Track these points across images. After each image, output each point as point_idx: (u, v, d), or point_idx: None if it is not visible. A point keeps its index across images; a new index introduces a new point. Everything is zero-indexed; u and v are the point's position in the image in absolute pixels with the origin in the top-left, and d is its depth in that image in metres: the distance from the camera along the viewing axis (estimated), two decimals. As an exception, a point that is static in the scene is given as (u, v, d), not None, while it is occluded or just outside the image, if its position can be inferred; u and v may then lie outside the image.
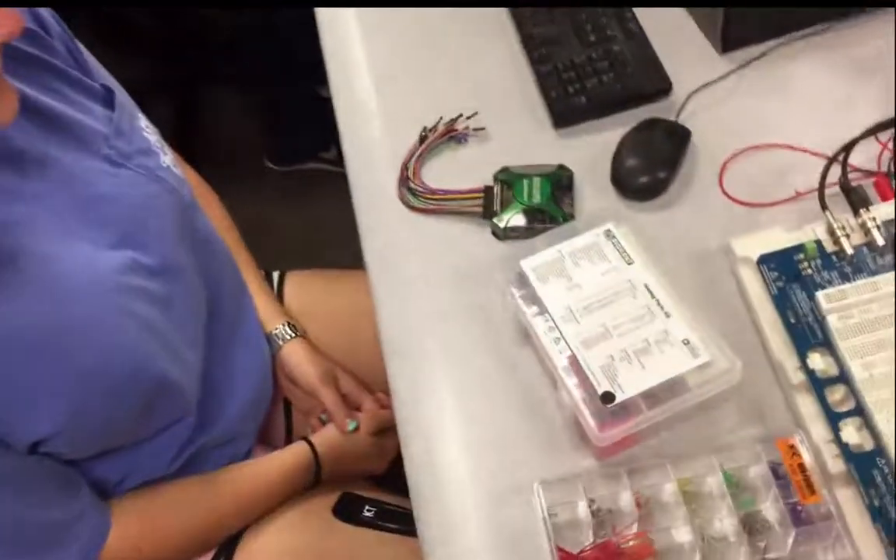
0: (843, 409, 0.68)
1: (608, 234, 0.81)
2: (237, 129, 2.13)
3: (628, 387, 0.71)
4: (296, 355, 0.94)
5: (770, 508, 0.67)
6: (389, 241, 0.89)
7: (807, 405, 0.70)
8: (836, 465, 0.66)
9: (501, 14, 1.05)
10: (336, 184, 2.04)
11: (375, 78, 1.02)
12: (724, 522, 0.67)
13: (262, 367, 0.90)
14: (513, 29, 1.03)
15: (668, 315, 0.75)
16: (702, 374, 0.72)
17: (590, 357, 0.73)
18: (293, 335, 0.95)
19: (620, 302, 0.77)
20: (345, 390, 0.96)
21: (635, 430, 0.70)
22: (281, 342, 0.95)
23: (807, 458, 0.67)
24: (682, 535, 0.67)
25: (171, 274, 0.77)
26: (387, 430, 0.95)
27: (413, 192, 0.91)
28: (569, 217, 0.86)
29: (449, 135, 0.95)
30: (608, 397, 0.71)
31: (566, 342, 0.75)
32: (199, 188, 0.95)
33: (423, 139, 0.95)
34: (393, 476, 0.94)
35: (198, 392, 0.81)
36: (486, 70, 1.01)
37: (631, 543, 0.66)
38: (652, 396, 0.71)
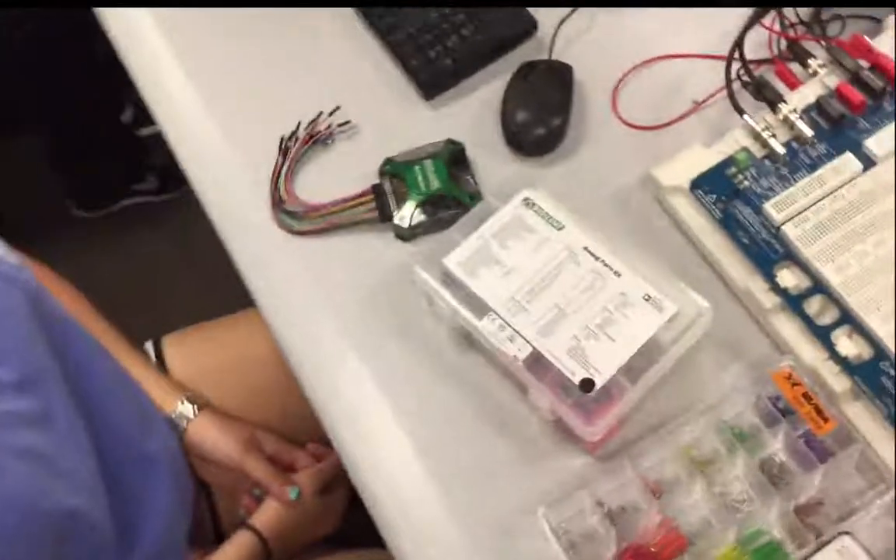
0: (828, 320, 0.64)
1: (527, 203, 0.73)
2: (32, 180, 1.83)
3: (604, 366, 0.64)
4: (206, 432, 0.81)
5: (783, 451, 0.62)
6: (280, 276, 0.77)
7: (788, 328, 0.65)
8: (839, 382, 0.62)
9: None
10: (161, 214, 1.88)
11: (204, 96, 0.88)
12: (744, 480, 0.61)
13: (173, 463, 0.76)
14: (345, 7, 0.92)
15: (618, 274, 0.68)
16: (673, 328, 0.66)
17: (552, 346, 0.65)
18: (196, 411, 0.82)
19: (565, 274, 0.69)
20: (271, 452, 0.83)
21: (625, 411, 0.63)
22: (185, 424, 0.81)
23: (808, 384, 0.62)
24: (706, 509, 0.61)
25: (39, 383, 0.62)
26: (331, 484, 0.84)
27: (292, 214, 0.79)
28: (476, 196, 0.77)
29: (313, 139, 0.83)
30: (587, 385, 0.63)
31: (522, 337, 0.66)
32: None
33: (284, 152, 0.82)
34: (351, 529, 0.84)
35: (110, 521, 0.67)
36: (330, 57, 0.89)
37: (658, 539, 0.59)
38: (631, 369, 0.64)
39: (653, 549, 0.58)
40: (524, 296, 0.68)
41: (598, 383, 0.63)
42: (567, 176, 0.79)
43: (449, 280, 0.70)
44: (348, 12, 0.91)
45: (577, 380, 0.64)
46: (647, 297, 0.67)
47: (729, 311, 0.68)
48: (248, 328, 0.91)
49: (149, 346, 0.91)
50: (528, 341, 0.66)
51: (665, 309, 0.66)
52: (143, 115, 1.61)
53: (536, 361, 0.65)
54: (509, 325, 0.67)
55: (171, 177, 1.78)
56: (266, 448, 0.83)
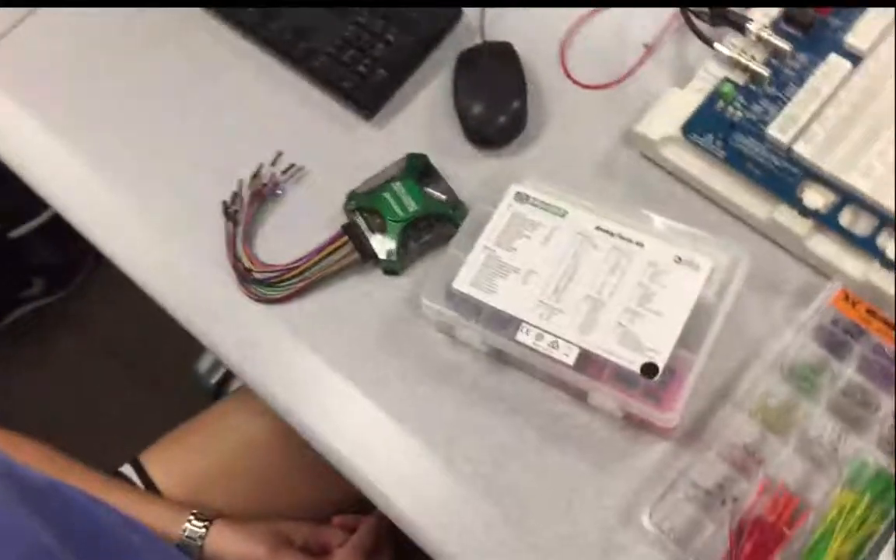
0: (868, 229, 0.61)
1: (520, 198, 0.68)
2: None
3: (661, 344, 0.60)
4: (226, 545, 0.72)
5: (860, 374, 0.59)
6: (271, 353, 0.69)
7: (828, 248, 0.62)
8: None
9: (219, 33, 0.85)
10: (57, 318, 1.72)
11: (115, 183, 0.78)
12: (831, 416, 0.58)
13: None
14: (246, 42, 0.83)
15: (640, 245, 0.64)
16: (714, 283, 0.62)
17: (599, 340, 0.61)
18: (207, 525, 0.73)
19: (585, 261, 0.64)
20: (301, 543, 0.75)
21: (694, 384, 0.59)
22: (199, 543, 0.72)
23: (867, 298, 0.59)
24: (803, 459, 0.58)
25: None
26: (372, 551, 0.77)
27: (265, 282, 0.71)
28: (459, 206, 0.71)
29: (260, 195, 0.75)
30: (650, 369, 0.59)
31: (564, 340, 0.61)
32: None
33: (232, 218, 0.74)
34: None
35: None
36: (251, 103, 0.81)
37: (769, 506, 0.55)
38: (686, 338, 0.60)
39: (771, 519, 0.55)
40: (551, 296, 0.63)
41: (661, 364, 0.59)
42: (543, 158, 0.74)
43: (464, 303, 0.64)
44: (254, 50, 0.83)
45: (637, 367, 0.59)
46: (678, 259, 0.63)
47: (758, 250, 0.65)
48: (233, 418, 0.82)
49: (127, 469, 0.80)
50: (572, 343, 0.61)
51: (701, 266, 0.62)
52: (13, 216, 1.48)
53: (587, 361, 0.60)
54: (547, 332, 0.61)
55: (58, 273, 1.63)
56: (295, 540, 0.75)
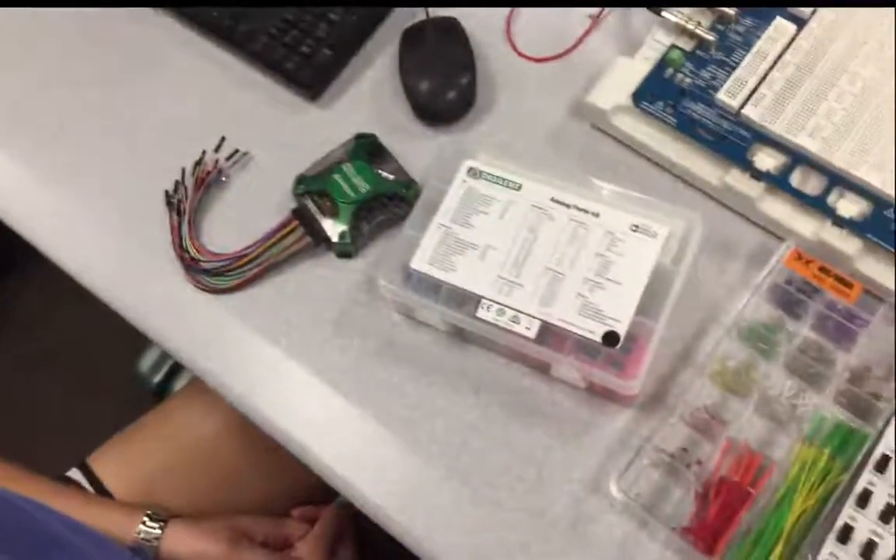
0: (819, 189, 0.62)
1: (473, 174, 0.67)
2: None
3: (621, 313, 0.60)
4: (183, 544, 0.70)
5: (815, 331, 0.60)
6: (227, 345, 0.67)
7: (780, 209, 0.63)
8: (848, 244, 0.60)
9: (154, 21, 0.82)
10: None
11: (52, 181, 0.75)
12: (789, 374, 0.59)
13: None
14: (183, 28, 0.81)
15: (596, 215, 0.64)
16: (671, 250, 0.62)
17: (560, 312, 0.60)
18: (163, 525, 0.70)
19: (543, 234, 0.64)
20: (262, 538, 0.73)
21: (655, 351, 0.59)
22: (155, 543, 0.70)
23: (819, 256, 0.60)
24: (763, 418, 0.58)
25: None
26: (335, 541, 0.76)
27: (213, 272, 0.69)
28: (411, 184, 0.70)
29: (205, 183, 0.73)
30: (611, 338, 0.59)
31: (525, 314, 0.60)
32: None
33: (177, 208, 0.72)
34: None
35: None
36: (193, 89, 0.78)
37: (733, 466, 0.56)
38: (646, 305, 0.60)
39: (735, 479, 0.55)
40: (510, 271, 0.62)
41: (621, 332, 0.59)
42: (494, 132, 0.73)
43: (422, 283, 0.63)
44: (192, 37, 0.80)
45: (598, 337, 0.59)
46: (634, 227, 0.63)
47: (712, 214, 0.65)
48: (183, 414, 0.80)
49: (75, 473, 0.78)
50: (533, 316, 0.60)
51: (657, 233, 0.62)
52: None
53: (548, 333, 0.60)
54: (507, 307, 0.61)
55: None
56: (255, 536, 0.73)
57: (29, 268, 1.56)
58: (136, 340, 1.39)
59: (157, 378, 1.39)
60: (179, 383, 1.37)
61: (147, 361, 1.39)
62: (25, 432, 1.36)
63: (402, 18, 0.79)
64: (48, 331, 1.52)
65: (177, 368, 1.37)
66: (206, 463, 0.77)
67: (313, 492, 0.78)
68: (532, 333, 0.60)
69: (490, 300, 0.61)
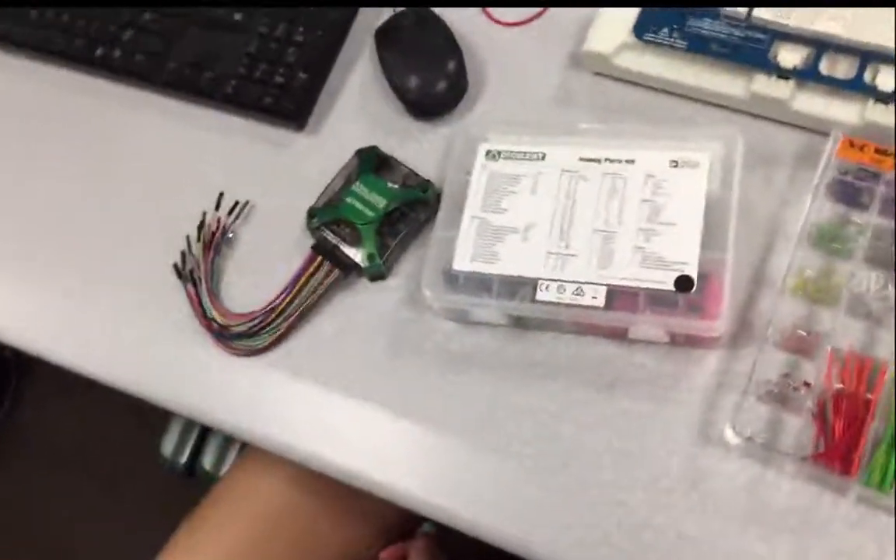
0: (851, 71, 0.59)
1: (492, 156, 0.63)
2: None
3: (685, 254, 0.56)
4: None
5: (886, 217, 0.57)
6: (278, 406, 0.63)
7: (815, 103, 0.60)
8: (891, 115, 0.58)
9: (105, 92, 0.77)
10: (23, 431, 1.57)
11: (43, 288, 0.71)
12: (871, 269, 0.56)
13: None
14: (141, 91, 0.76)
15: (631, 161, 0.61)
16: (717, 175, 0.59)
17: (622, 271, 0.57)
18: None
19: (581, 196, 0.60)
20: None
21: (731, 283, 0.56)
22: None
23: (870, 139, 0.58)
24: (859, 321, 0.55)
25: None
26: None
27: (246, 334, 0.65)
28: (428, 185, 0.66)
29: (213, 245, 0.68)
30: (684, 282, 0.56)
31: (588, 283, 0.57)
32: None
33: (189, 277, 0.67)
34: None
35: None
36: (168, 152, 0.74)
37: (844, 377, 0.53)
38: (708, 239, 0.57)
39: (850, 389, 0.52)
40: (558, 244, 0.59)
41: (693, 274, 0.56)
42: (496, 109, 0.70)
43: (470, 282, 0.60)
44: (153, 98, 0.76)
45: (670, 285, 0.56)
46: (673, 163, 0.60)
47: (746, 128, 0.62)
48: (244, 488, 0.75)
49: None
50: (596, 284, 0.57)
51: (699, 162, 0.59)
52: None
53: (617, 296, 0.57)
54: (566, 281, 0.57)
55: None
56: None
57: (23, 377, 1.50)
58: (150, 427, 1.35)
59: (184, 458, 1.34)
60: (209, 455, 1.33)
61: (168, 444, 1.35)
62: (64, 548, 1.31)
63: (370, 19, 0.75)
64: (56, 436, 1.46)
65: (203, 441, 1.33)
66: (281, 531, 0.73)
67: (396, 528, 0.74)
68: (600, 301, 0.57)
69: (547, 279, 0.58)
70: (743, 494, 0.53)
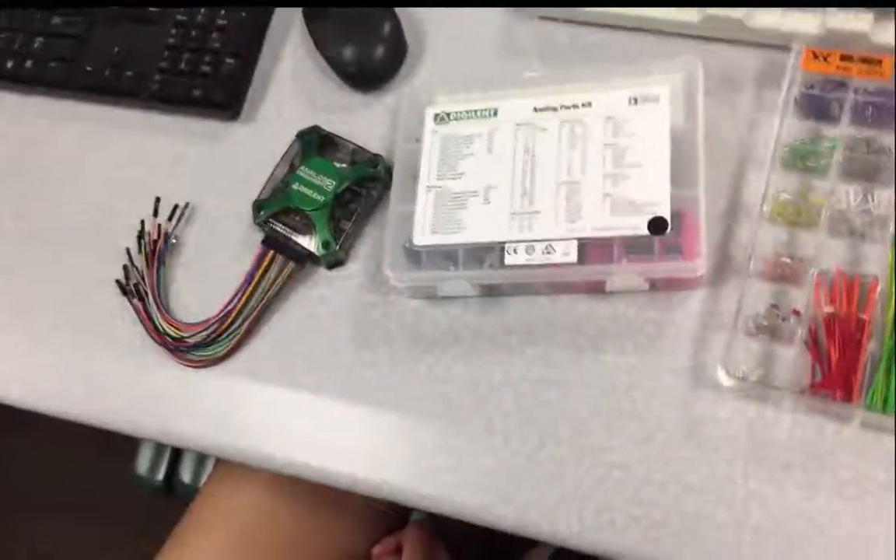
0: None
1: (441, 119, 0.60)
2: None
3: (656, 194, 0.53)
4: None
5: (857, 127, 0.54)
6: (243, 414, 0.59)
7: (772, 17, 0.57)
8: (860, 20, 0.55)
9: (20, 105, 0.72)
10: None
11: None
12: (849, 182, 0.53)
13: None
14: (58, 101, 0.71)
15: (588, 105, 0.57)
16: (680, 107, 0.56)
17: (592, 221, 0.54)
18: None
19: (541, 149, 0.57)
20: None
21: (706, 219, 0.53)
22: None
23: (835, 45, 0.55)
24: (843, 238, 0.53)
25: None
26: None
27: (203, 344, 0.61)
28: (377, 159, 0.62)
29: (157, 255, 0.64)
30: (658, 224, 0.53)
31: (557, 240, 0.54)
32: None
33: (134, 291, 0.63)
34: None
35: None
36: (90, 166, 0.69)
37: (832, 299, 0.50)
38: (677, 175, 0.54)
39: (842, 312, 0.50)
40: (522, 202, 0.55)
41: (666, 214, 0.53)
42: (439, 68, 0.66)
43: (434, 255, 0.56)
44: (72, 105, 0.71)
45: (644, 229, 0.53)
46: (632, 100, 0.56)
47: (703, 54, 0.58)
48: (222, 503, 0.71)
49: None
50: (566, 239, 0.54)
51: (659, 96, 0.56)
52: None
53: (590, 249, 0.54)
54: (535, 241, 0.54)
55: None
56: None
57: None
58: (117, 449, 1.31)
59: (160, 474, 1.29)
60: (187, 467, 1.28)
61: (143, 463, 1.29)
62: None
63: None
64: (22, 472, 1.41)
65: (178, 454, 1.28)
66: (264, 542, 0.69)
67: (384, 521, 0.71)
68: (572, 257, 0.53)
69: (514, 241, 0.54)
70: (743, 436, 0.50)
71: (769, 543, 0.48)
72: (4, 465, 1.41)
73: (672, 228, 0.52)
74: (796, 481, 0.49)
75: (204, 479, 1.26)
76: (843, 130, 0.54)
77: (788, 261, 0.52)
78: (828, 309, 0.50)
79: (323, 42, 0.67)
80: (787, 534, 0.48)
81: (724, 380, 0.50)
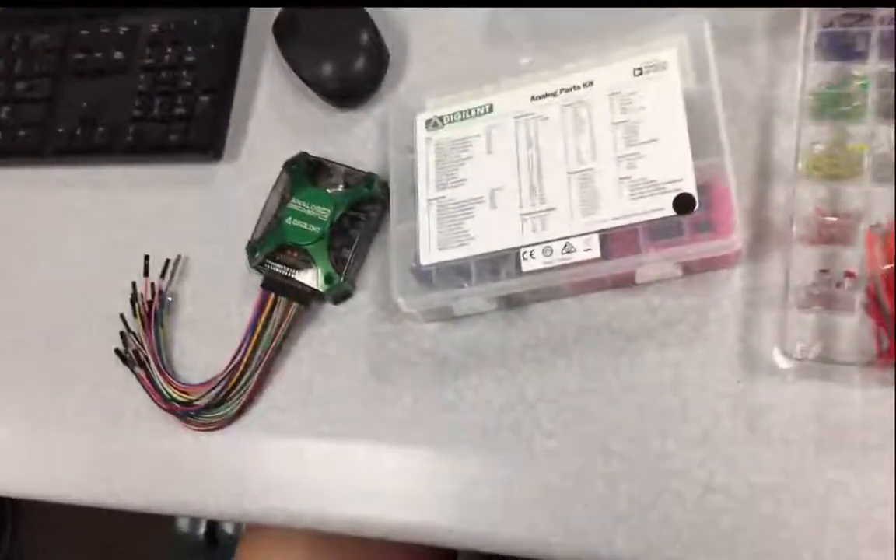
0: None
1: (434, 124, 0.55)
2: None
3: (678, 169, 0.49)
4: None
5: (886, 60, 0.49)
6: (264, 473, 0.55)
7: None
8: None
9: None
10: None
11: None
12: (887, 123, 0.48)
13: None
14: (29, 170, 0.67)
15: (589, 84, 0.52)
16: (690, 69, 0.51)
17: (611, 210, 0.49)
18: None
19: (544, 139, 0.52)
20: None
21: (736, 187, 0.48)
22: None
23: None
24: (891, 191, 0.48)
25: None
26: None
27: (213, 404, 0.57)
28: (371, 178, 0.58)
29: (151, 317, 0.60)
30: (685, 202, 0.48)
31: (576, 237, 0.49)
32: None
33: (135, 360, 0.59)
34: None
35: None
36: (72, 232, 0.65)
37: (887, 252, 0.45)
38: (699, 144, 0.49)
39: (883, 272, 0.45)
40: (532, 201, 0.51)
41: (692, 190, 0.48)
42: (425, 70, 0.61)
43: (444, 273, 0.52)
44: (45, 172, 0.67)
45: (669, 210, 0.48)
46: (638, 71, 0.52)
47: (699, 10, 0.53)
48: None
49: None
50: (585, 234, 0.49)
51: (667, 61, 0.51)
52: None
53: (613, 241, 0.49)
54: (551, 241, 0.50)
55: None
56: None
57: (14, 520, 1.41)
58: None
59: (202, 528, 1.26)
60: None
61: (183, 519, 1.27)
62: None
63: (263, 18, 0.66)
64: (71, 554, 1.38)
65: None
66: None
67: (432, 555, 0.67)
68: (595, 252, 0.49)
69: (529, 245, 0.50)
70: (811, 421, 0.45)
71: (858, 537, 0.43)
72: (43, 523, 1.39)
73: (700, 204, 0.47)
74: (879, 464, 0.44)
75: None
76: (873, 66, 0.49)
77: (834, 219, 0.47)
78: (885, 266, 0.45)
79: (298, 63, 0.62)
80: (877, 523, 0.43)
81: (782, 361, 0.46)
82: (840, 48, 0.50)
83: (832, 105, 0.49)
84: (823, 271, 0.47)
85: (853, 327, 0.45)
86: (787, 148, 0.50)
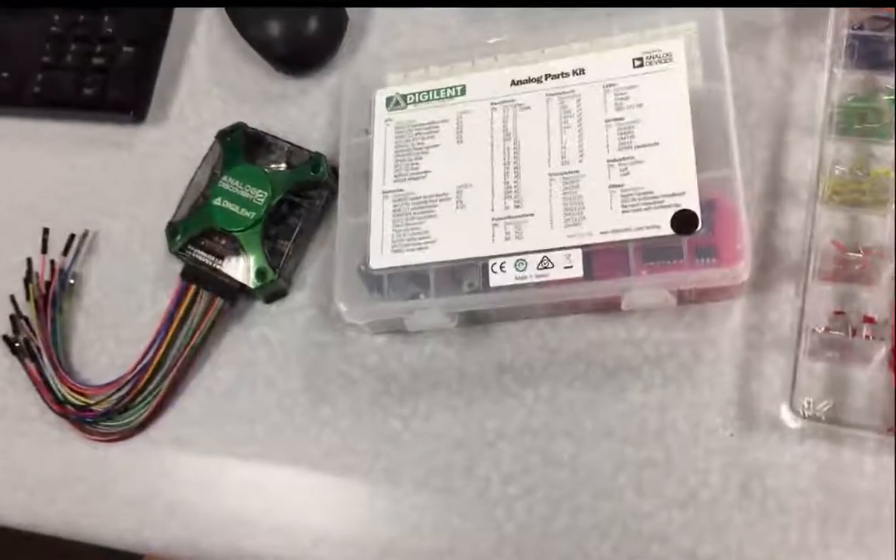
0: None
1: (395, 103, 0.47)
2: None
3: (679, 180, 0.41)
4: None
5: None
6: (170, 496, 0.47)
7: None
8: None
9: None
10: None
11: None
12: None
13: None
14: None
15: (581, 72, 0.45)
16: (698, 65, 0.44)
17: (599, 222, 0.42)
18: None
19: (524, 131, 0.44)
20: None
21: (746, 206, 0.41)
22: None
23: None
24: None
25: None
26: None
27: (113, 411, 0.48)
28: (320, 159, 0.49)
29: (48, 299, 0.51)
30: (685, 220, 0.41)
31: (554, 250, 0.42)
32: None
33: (25, 350, 0.50)
34: None
35: None
36: None
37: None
38: (703, 152, 0.42)
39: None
40: (506, 204, 0.43)
41: (694, 206, 0.41)
42: (388, 40, 0.53)
43: (397, 280, 0.44)
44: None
45: (667, 228, 0.41)
46: (638, 61, 0.44)
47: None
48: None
49: None
50: (566, 248, 0.42)
51: (672, 53, 0.44)
52: None
53: (598, 257, 0.41)
54: (526, 253, 0.42)
55: None
56: None
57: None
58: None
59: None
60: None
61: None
62: None
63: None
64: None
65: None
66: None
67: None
68: (576, 270, 0.41)
69: (499, 256, 0.42)
70: (817, 490, 0.39)
71: (867, 635, 0.37)
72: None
73: (703, 223, 0.40)
74: (890, 547, 0.37)
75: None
76: (901, 74, 0.43)
77: (854, 253, 0.40)
78: (906, 313, 0.39)
79: (242, 19, 0.54)
80: (889, 620, 0.37)
81: (786, 417, 0.39)
82: (870, 55, 0.44)
83: (858, 120, 0.43)
84: (838, 312, 0.40)
85: (869, 383, 0.39)
86: (801, 164, 0.43)
